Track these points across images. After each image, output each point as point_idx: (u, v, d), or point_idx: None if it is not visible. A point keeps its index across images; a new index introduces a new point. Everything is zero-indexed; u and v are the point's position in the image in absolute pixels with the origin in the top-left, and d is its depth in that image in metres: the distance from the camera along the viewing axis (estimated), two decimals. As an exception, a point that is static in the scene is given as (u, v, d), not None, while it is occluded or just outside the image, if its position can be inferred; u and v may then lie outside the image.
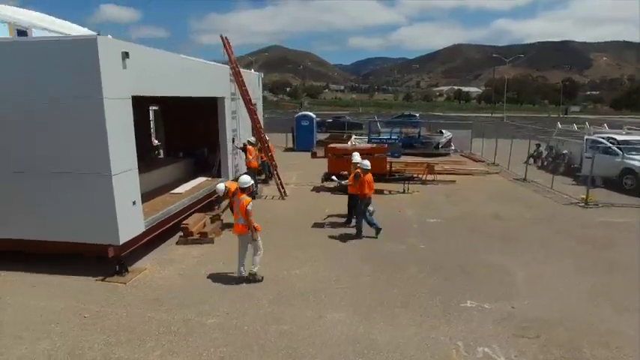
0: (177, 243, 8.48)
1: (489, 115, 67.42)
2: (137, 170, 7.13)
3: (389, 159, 14.94)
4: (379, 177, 12.91)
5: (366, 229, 8.88)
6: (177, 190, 10.14)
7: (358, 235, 8.83)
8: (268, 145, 12.73)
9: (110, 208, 6.48)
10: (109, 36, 11.46)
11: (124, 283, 6.60)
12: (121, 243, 6.65)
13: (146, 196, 9.53)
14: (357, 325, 5.50)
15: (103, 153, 6.29)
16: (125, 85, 6.63)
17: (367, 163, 8.90)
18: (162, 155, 15.22)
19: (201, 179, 11.53)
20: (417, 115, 39.99)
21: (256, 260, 6.70)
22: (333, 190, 12.82)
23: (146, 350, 4.95)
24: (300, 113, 23.98)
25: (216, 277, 6.91)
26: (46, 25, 9.72)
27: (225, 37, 11.93)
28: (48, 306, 5.93)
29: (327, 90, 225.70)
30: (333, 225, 9.79)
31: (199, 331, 5.32)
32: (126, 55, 6.53)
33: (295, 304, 6.08)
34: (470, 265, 7.46)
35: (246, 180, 6.84)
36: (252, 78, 14.28)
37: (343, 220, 9.95)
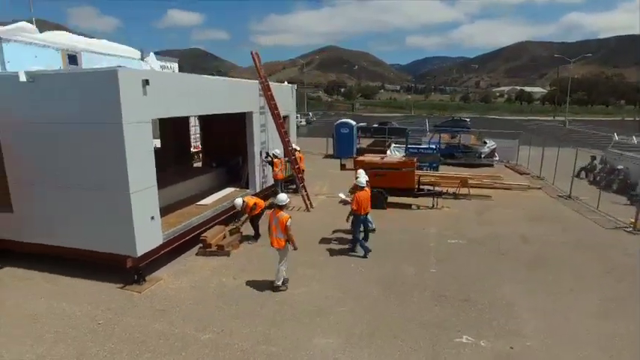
0: (196, 254, 8.98)
1: (551, 118, 62.95)
2: (156, 187, 7.67)
3: (421, 172, 14.66)
4: (408, 192, 12.74)
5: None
6: (203, 202, 10.72)
7: (364, 253, 8.81)
8: (295, 158, 12.97)
9: (128, 222, 7.08)
10: (153, 53, 12.27)
11: (139, 292, 7.16)
12: (138, 255, 7.24)
13: (176, 206, 10.23)
14: (342, 352, 5.56)
15: (123, 172, 6.89)
16: (145, 110, 7.19)
17: (361, 180, 9.05)
18: (201, 160, 16.12)
19: (229, 190, 12.08)
20: (468, 119, 37.93)
21: (281, 272, 7.30)
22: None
23: (142, 361, 5.38)
24: (339, 120, 23.95)
25: (223, 292, 7.27)
26: (94, 48, 10.71)
27: (257, 53, 12.35)
28: (71, 310, 6.60)
29: (382, 90, 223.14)
30: (344, 241, 9.74)
31: (193, 346, 5.67)
32: (146, 82, 7.08)
33: (290, 325, 6.24)
34: (478, 295, 7.16)
35: (284, 198, 7.60)
36: (285, 90, 14.65)
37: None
